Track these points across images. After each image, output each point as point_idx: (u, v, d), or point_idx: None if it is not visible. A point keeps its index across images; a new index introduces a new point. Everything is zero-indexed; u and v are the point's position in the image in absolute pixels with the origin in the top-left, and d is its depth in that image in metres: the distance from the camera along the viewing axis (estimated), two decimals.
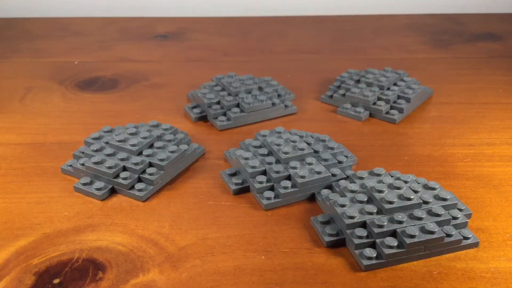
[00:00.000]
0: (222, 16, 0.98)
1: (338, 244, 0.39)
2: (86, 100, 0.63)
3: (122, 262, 0.37)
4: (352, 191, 0.41)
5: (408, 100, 0.58)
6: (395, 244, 0.36)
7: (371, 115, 0.58)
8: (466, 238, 0.38)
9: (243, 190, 0.45)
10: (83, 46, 0.82)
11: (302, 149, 0.46)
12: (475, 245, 0.38)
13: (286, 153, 0.45)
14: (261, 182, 0.44)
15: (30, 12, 0.98)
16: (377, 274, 0.36)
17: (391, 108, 0.58)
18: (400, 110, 0.58)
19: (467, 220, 0.39)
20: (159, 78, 0.70)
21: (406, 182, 0.41)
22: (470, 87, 0.66)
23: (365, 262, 0.36)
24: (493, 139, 0.54)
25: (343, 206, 0.39)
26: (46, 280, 0.35)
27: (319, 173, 0.44)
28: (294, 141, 0.47)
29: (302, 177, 0.43)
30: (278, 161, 0.46)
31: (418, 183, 0.41)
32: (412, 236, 0.36)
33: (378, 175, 0.43)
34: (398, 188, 0.40)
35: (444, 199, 0.39)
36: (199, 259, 0.37)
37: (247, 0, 1.00)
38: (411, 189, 0.40)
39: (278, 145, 0.46)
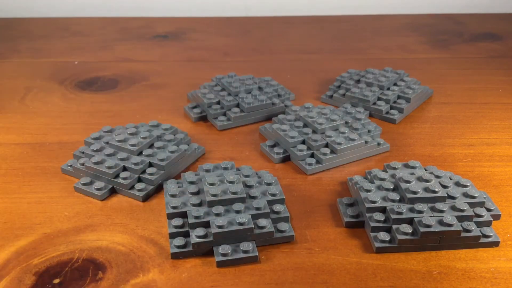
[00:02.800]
0: (222, 16, 0.98)
1: (356, 226, 0.40)
2: (86, 100, 0.63)
3: (122, 262, 0.37)
4: (381, 179, 0.42)
5: (408, 100, 0.58)
6: (410, 231, 0.37)
7: (371, 115, 0.58)
8: (486, 236, 0.38)
9: (285, 159, 0.50)
10: (83, 46, 0.82)
11: (334, 120, 0.50)
12: (496, 244, 0.38)
13: (320, 124, 0.50)
14: (301, 150, 0.48)
15: (30, 12, 0.98)
16: (377, 274, 0.36)
17: (391, 108, 0.58)
18: (400, 110, 0.58)
19: (491, 219, 0.39)
20: (159, 78, 0.70)
21: (438, 176, 0.42)
22: (470, 87, 0.66)
23: (377, 245, 0.37)
24: (493, 139, 0.54)
25: (368, 191, 0.40)
26: (46, 280, 0.35)
27: (353, 140, 0.48)
28: (325, 114, 0.52)
29: (339, 144, 0.48)
30: (314, 132, 0.50)
31: (451, 179, 0.42)
32: (428, 226, 0.37)
33: (413, 167, 0.44)
34: (427, 181, 0.41)
35: (473, 197, 0.40)
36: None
37: (247, 0, 1.00)
38: (440, 183, 0.41)
39: (312, 117, 0.51)
